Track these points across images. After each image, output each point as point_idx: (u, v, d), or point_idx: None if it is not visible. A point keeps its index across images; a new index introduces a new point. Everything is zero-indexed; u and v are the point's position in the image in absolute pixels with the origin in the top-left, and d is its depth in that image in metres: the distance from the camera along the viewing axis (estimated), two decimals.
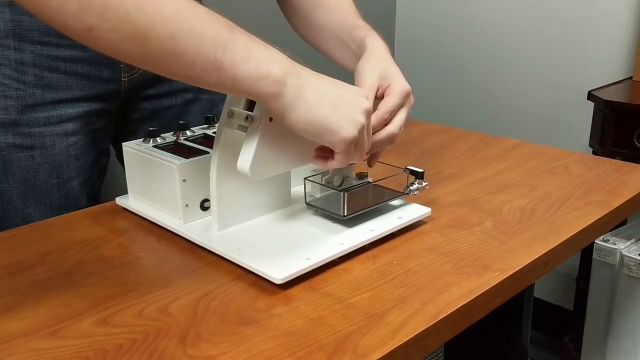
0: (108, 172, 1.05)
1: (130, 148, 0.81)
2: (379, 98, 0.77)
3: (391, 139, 0.76)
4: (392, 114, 0.76)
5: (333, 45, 0.91)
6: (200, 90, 1.04)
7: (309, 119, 0.63)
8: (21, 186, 0.89)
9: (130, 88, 0.97)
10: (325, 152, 0.69)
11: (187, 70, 0.59)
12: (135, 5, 0.55)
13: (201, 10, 0.59)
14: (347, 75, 0.86)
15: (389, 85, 0.77)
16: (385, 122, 0.76)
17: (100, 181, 1.01)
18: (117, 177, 1.01)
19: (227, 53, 0.59)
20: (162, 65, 0.58)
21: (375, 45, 0.82)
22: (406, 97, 0.78)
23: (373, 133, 0.74)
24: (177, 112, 1.04)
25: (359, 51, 0.84)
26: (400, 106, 0.77)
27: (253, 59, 0.60)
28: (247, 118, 0.67)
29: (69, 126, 0.90)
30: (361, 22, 0.88)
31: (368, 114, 0.68)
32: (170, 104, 1.03)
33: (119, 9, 0.54)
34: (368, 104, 0.68)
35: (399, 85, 0.77)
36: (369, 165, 0.80)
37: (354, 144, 0.66)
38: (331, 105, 0.64)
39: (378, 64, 0.80)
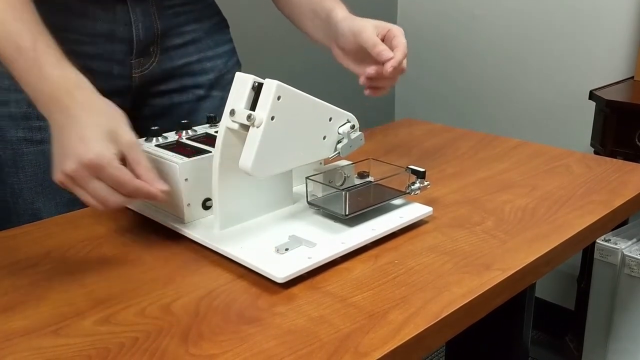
0: None
1: None
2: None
3: (401, 72, 0.87)
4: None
5: (305, 17, 0.98)
6: (211, 87, 1.05)
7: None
8: (31, 181, 0.90)
9: (141, 84, 0.97)
10: None
11: None
12: None
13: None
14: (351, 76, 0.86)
15: (389, 30, 0.87)
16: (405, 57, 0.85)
17: None
18: None
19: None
20: None
21: (348, 14, 0.91)
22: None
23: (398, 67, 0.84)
24: (188, 109, 1.04)
25: (326, 19, 0.92)
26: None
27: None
28: (249, 117, 0.67)
29: None
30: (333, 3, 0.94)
31: (83, 166, 0.64)
32: (181, 101, 1.03)
33: None
34: (87, 158, 0.64)
35: (397, 28, 0.87)
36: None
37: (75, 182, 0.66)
38: (61, 145, 0.67)
39: (365, 20, 0.88)
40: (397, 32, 0.87)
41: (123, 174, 0.65)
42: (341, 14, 0.91)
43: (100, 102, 0.69)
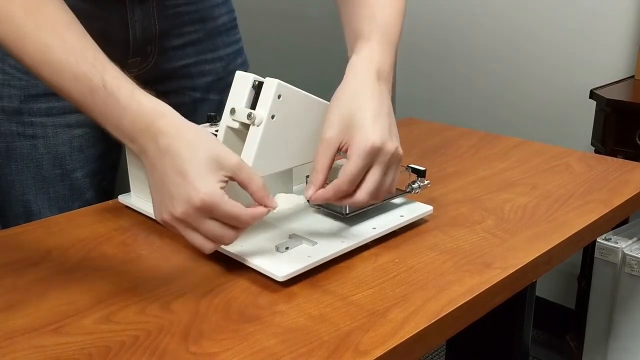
0: None
1: None
2: (344, 152, 0.67)
3: (358, 206, 0.70)
4: (354, 182, 0.65)
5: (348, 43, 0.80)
6: (207, 90, 1.04)
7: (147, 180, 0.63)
8: (22, 173, 0.91)
9: (139, 84, 0.97)
10: None
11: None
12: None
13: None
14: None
15: (350, 145, 0.65)
16: (349, 191, 0.66)
17: (113, 176, 1.01)
18: (120, 175, 1.01)
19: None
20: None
21: (358, 70, 0.70)
22: (373, 154, 0.65)
23: (343, 198, 0.66)
24: (185, 112, 1.03)
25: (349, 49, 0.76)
26: (366, 167, 0.65)
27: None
28: (249, 115, 0.67)
29: (72, 118, 0.91)
30: (368, 28, 0.73)
31: (195, 208, 0.58)
32: (178, 102, 1.03)
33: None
34: (197, 200, 0.58)
35: (360, 143, 0.64)
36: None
37: (185, 224, 0.60)
38: (159, 180, 0.61)
39: (346, 106, 0.67)
40: (354, 151, 0.65)
41: (237, 208, 0.60)
42: (351, 69, 0.71)
43: (189, 129, 0.62)
